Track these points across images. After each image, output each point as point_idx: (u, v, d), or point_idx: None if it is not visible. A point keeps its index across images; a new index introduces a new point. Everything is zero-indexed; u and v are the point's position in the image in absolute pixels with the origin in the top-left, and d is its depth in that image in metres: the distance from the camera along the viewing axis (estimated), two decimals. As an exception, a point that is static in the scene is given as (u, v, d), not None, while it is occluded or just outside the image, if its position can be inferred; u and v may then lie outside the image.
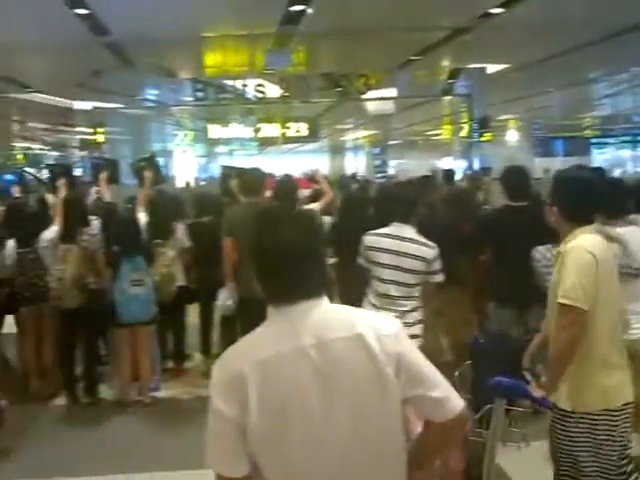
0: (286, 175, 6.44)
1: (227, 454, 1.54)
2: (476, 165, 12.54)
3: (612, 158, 27.09)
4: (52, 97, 13.27)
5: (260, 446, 1.51)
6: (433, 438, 1.65)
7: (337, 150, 34.80)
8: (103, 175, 6.48)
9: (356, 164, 34.27)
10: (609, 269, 2.63)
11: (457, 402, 1.60)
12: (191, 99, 10.98)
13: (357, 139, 30.58)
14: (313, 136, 12.15)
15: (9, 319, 5.42)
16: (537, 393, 2.70)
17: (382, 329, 1.56)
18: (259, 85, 10.59)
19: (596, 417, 2.53)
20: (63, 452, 4.29)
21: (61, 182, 5.66)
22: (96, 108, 12.43)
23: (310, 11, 7.91)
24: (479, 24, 9.00)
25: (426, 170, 12.72)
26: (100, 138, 12.25)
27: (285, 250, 1.54)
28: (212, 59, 10.68)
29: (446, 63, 12.43)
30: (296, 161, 29.48)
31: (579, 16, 8.43)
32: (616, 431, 2.56)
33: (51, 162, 12.38)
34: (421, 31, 9.43)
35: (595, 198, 2.77)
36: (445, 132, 20.23)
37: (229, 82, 10.81)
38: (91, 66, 10.22)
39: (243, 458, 1.52)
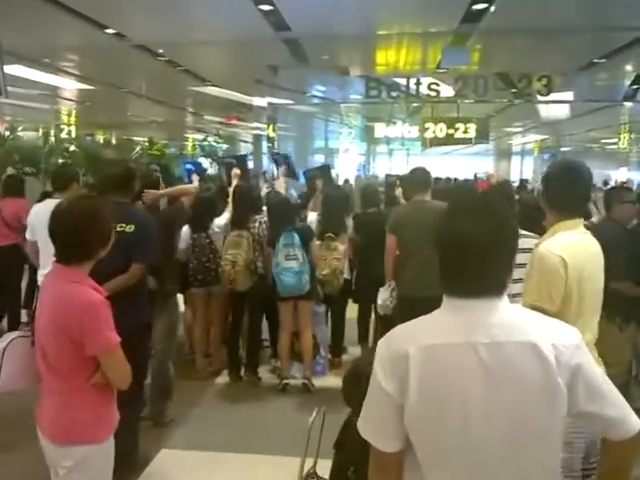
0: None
1: (381, 428, 1.52)
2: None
3: None
4: (231, 92, 13.65)
5: (415, 428, 1.47)
6: (613, 458, 1.54)
7: (503, 154, 33.14)
8: (282, 169, 6.60)
9: (522, 169, 32.47)
10: (582, 271, 2.44)
11: (636, 422, 1.47)
12: (360, 97, 10.75)
13: (526, 143, 28.81)
14: (481, 138, 11.43)
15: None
16: None
17: (560, 338, 1.44)
18: (433, 84, 10.11)
19: None
20: (222, 427, 4.33)
21: (235, 172, 5.75)
22: (270, 104, 12.59)
23: (492, 9, 7.34)
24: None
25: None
26: (272, 133, 12.41)
27: (466, 242, 1.45)
28: (384, 57, 10.43)
29: (631, 67, 11.17)
30: (459, 163, 28.51)
31: None
32: None
33: (229, 155, 12.82)
34: (609, 32, 8.47)
35: (583, 188, 2.64)
36: (623, 140, 18.31)
37: (401, 80, 10.44)
38: (268, 62, 10.35)
39: (397, 435, 1.50)
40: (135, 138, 16.95)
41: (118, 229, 3.38)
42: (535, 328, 1.45)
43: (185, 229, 5.09)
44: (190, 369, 5.32)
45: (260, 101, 13.29)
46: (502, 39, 8.90)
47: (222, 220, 5.24)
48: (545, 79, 9.84)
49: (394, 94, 10.34)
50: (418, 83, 10.14)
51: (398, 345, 1.50)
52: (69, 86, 12.83)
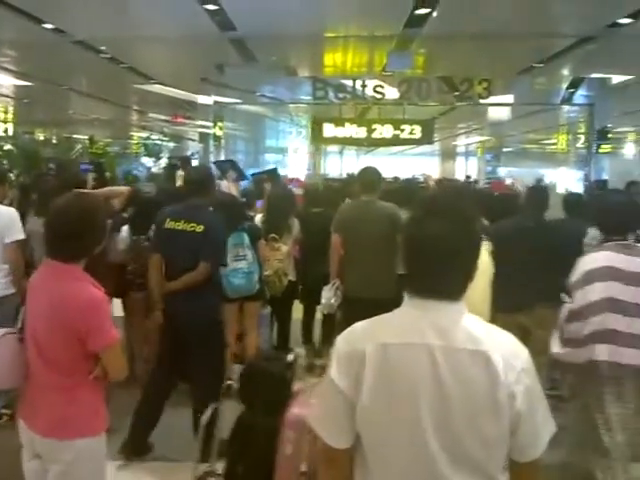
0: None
1: (333, 424, 1.52)
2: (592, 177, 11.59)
3: None
4: (175, 90, 13.50)
5: (366, 426, 1.48)
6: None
7: (448, 154, 33.82)
8: (230, 174, 6.52)
9: (466, 169, 33.21)
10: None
11: (545, 443, 1.50)
12: (309, 97, 10.81)
13: (470, 144, 29.50)
14: (426, 139, 11.62)
15: (116, 303, 5.41)
16: None
17: (512, 355, 1.46)
18: (378, 86, 10.24)
19: None
20: (161, 436, 4.14)
21: (180, 174, 5.64)
22: (216, 102, 12.47)
23: (435, 14, 7.48)
24: (606, 34, 8.25)
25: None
26: (219, 132, 12.31)
27: (435, 244, 1.46)
28: (332, 59, 10.51)
29: (568, 72, 11.60)
30: (406, 163, 28.93)
31: None
32: None
33: (173, 156, 12.57)
34: (546, 38, 8.77)
35: None
36: (561, 142, 18.96)
37: (348, 82, 10.55)
38: (214, 61, 10.28)
39: (348, 431, 1.49)
40: (76, 136, 16.46)
41: (189, 229, 3.74)
42: (490, 340, 1.47)
43: (125, 230, 4.98)
44: (129, 375, 5.14)
45: (206, 99, 13.14)
46: (445, 43, 9.08)
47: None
48: (485, 83, 10.13)
49: (341, 95, 10.43)
50: (364, 85, 10.26)
51: (356, 342, 1.50)
52: (5, 82, 12.36)
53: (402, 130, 11.17)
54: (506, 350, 1.46)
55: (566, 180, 19.64)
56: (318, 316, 5.64)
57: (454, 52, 9.54)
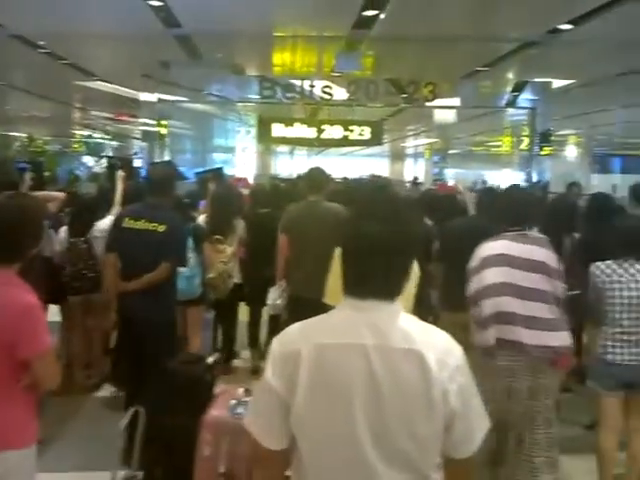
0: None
1: (267, 425, 1.51)
2: (534, 178, 11.91)
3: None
4: (118, 87, 13.19)
5: (301, 427, 1.48)
6: (456, 475, 1.57)
7: (398, 156, 34.26)
8: (119, 174, 6.33)
9: (415, 170, 33.71)
10: None
11: (479, 440, 1.53)
12: (257, 96, 10.71)
13: (418, 146, 29.93)
14: (375, 140, 11.71)
15: (52, 308, 5.20)
16: None
17: (446, 354, 1.48)
18: (326, 87, 10.25)
19: None
20: (100, 445, 3.92)
21: (120, 174, 5.44)
22: (161, 100, 12.24)
23: (382, 16, 7.51)
24: (547, 39, 8.52)
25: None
26: (163, 130, 12.06)
27: (374, 244, 1.46)
28: (280, 58, 10.45)
29: (512, 76, 11.90)
30: (356, 164, 29.13)
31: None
32: None
33: (114, 156, 12.15)
34: (490, 42, 8.96)
35: None
36: (505, 144, 19.47)
37: (296, 82, 10.51)
38: (159, 58, 10.08)
39: (282, 433, 1.49)
40: (14, 134, 15.85)
41: (150, 228, 3.69)
42: (424, 338, 1.48)
43: (62, 231, 4.78)
44: (66, 382, 4.95)
45: (150, 97, 12.84)
46: (393, 46, 9.16)
47: (105, 224, 4.92)
48: (431, 85, 10.28)
49: (289, 95, 10.39)
50: (312, 85, 10.25)
51: (291, 343, 1.50)
52: None
53: (351, 131, 11.24)
54: (440, 348, 1.48)
55: (510, 181, 20.15)
56: (265, 318, 5.57)
57: (402, 54, 9.62)
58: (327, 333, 1.49)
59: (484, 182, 21.33)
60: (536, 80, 11.87)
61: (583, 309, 4.15)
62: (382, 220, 1.49)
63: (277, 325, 5.16)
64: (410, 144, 29.71)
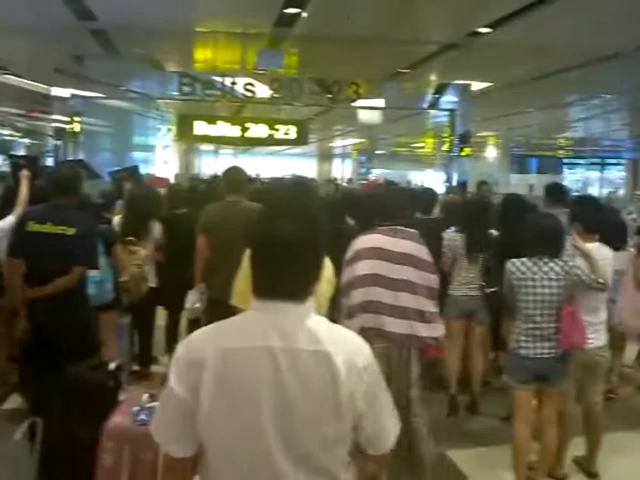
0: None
1: (172, 432, 1.49)
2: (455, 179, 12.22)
3: (582, 178, 27.39)
4: (30, 82, 12.55)
5: (208, 433, 1.46)
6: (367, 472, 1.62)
7: (325, 155, 34.45)
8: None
9: (343, 170, 34.00)
10: None
11: (393, 439, 1.57)
12: (177, 93, 10.44)
13: (345, 146, 30.21)
14: (301, 140, 11.68)
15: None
16: None
17: (355, 354, 1.48)
18: (248, 84, 10.11)
19: None
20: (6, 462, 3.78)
21: (24, 173, 5.11)
22: (75, 96, 11.72)
23: (305, 14, 7.47)
24: (467, 42, 8.73)
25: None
26: (77, 127, 11.52)
27: (281, 243, 1.46)
28: (203, 54, 10.24)
29: (433, 78, 12.16)
30: (285, 164, 29.07)
31: (561, 42, 8.31)
32: None
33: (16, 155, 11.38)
34: (412, 44, 9.10)
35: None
36: (428, 145, 19.96)
37: (218, 79, 10.32)
38: (73, 52, 9.66)
39: (188, 440, 1.47)
40: None
41: (58, 232, 3.59)
42: (332, 340, 1.48)
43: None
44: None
45: (63, 92, 12.27)
46: (316, 44, 9.14)
47: (6, 223, 4.61)
48: (355, 85, 10.34)
49: (209, 92, 10.18)
50: (233, 83, 10.09)
51: (196, 348, 1.48)
52: None
53: (277, 130, 11.15)
54: (348, 349, 1.49)
55: (432, 181, 20.70)
56: (184, 322, 5.41)
57: (326, 54, 9.62)
58: (233, 337, 1.47)
59: (408, 182, 21.79)
60: (457, 82, 12.18)
61: (500, 305, 4.28)
62: (291, 219, 1.50)
63: (196, 329, 5.02)
64: (338, 144, 29.92)
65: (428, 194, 5.91)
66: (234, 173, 4.73)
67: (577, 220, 4.01)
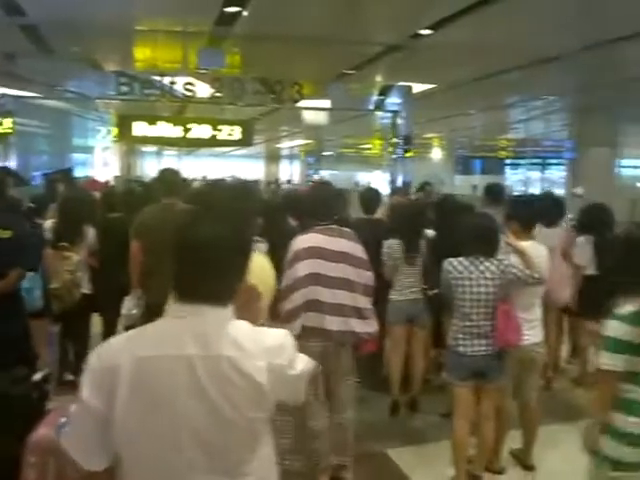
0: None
1: (85, 444, 1.45)
2: (400, 180, 12.34)
3: (524, 178, 28.26)
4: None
5: (123, 443, 1.43)
6: None
7: (273, 157, 34.33)
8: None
9: (291, 172, 33.96)
10: None
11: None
12: (114, 93, 10.15)
13: (293, 147, 30.20)
14: (246, 140, 11.55)
15: None
16: None
17: (277, 355, 1.48)
18: (188, 84, 9.94)
19: None
20: None
21: None
22: (4, 95, 11.21)
23: (245, 13, 7.39)
24: (409, 43, 8.82)
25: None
26: (8, 129, 10.97)
27: (194, 245, 1.44)
28: (143, 53, 10.01)
29: (378, 79, 12.25)
30: (230, 165, 28.82)
31: (501, 43, 8.45)
32: None
33: None
34: (355, 45, 9.13)
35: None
36: (376, 146, 20.12)
37: (157, 78, 10.10)
38: (3, 49, 9.27)
39: (102, 452, 1.44)
40: None
41: None
42: (254, 343, 1.46)
43: None
44: None
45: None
46: (260, 44, 9.05)
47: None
48: (298, 86, 10.32)
49: (148, 92, 9.96)
50: (173, 82, 9.90)
51: (110, 357, 1.44)
52: None
53: (220, 130, 10.99)
54: (270, 351, 1.47)
55: (380, 183, 20.89)
56: (120, 329, 5.25)
57: (269, 53, 9.56)
58: (149, 345, 1.44)
59: (356, 183, 21.95)
60: (401, 84, 12.29)
61: (441, 305, 4.34)
62: (213, 222, 1.48)
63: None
64: (285, 145, 29.87)
65: (371, 194, 5.92)
66: (169, 175, 4.64)
67: (513, 219, 4.09)
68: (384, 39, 9.03)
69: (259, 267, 2.40)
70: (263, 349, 1.47)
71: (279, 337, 1.55)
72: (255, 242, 3.49)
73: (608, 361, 2.36)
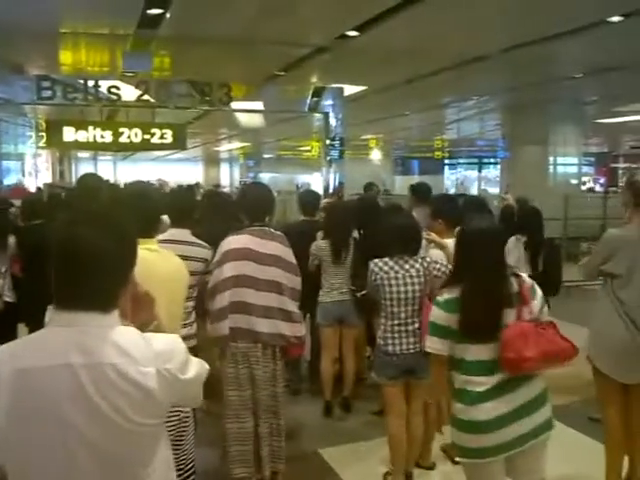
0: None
1: None
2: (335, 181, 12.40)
3: (462, 177, 28.93)
4: None
5: (9, 459, 1.40)
6: None
7: (212, 160, 33.94)
8: None
9: (231, 175, 33.70)
10: None
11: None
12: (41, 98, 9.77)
13: (232, 150, 29.94)
14: (179, 144, 11.37)
15: None
16: None
17: (166, 361, 1.45)
18: (113, 87, 9.69)
19: None
20: None
21: None
22: None
23: (168, 15, 7.26)
24: (337, 45, 8.82)
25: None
26: None
27: (75, 247, 1.42)
28: (68, 57, 9.66)
29: (309, 81, 12.24)
30: (170, 169, 28.34)
31: (429, 44, 8.54)
32: None
33: None
34: (283, 46, 9.08)
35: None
36: (314, 148, 20.18)
37: (80, 81, 9.80)
38: None
39: None
40: None
41: None
42: (141, 349, 1.44)
43: None
44: None
45: None
46: (187, 46, 8.90)
47: None
48: (225, 88, 10.20)
49: (71, 96, 9.65)
50: (96, 85, 9.63)
51: None
52: None
53: (152, 134, 10.78)
54: (160, 357, 1.46)
55: (319, 184, 20.99)
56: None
57: (197, 55, 9.39)
58: (31, 356, 1.40)
59: (297, 185, 21.95)
60: (333, 86, 12.34)
61: (371, 305, 4.37)
62: (95, 224, 1.47)
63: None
64: (224, 148, 29.59)
65: (310, 196, 5.92)
66: (88, 180, 4.53)
67: (438, 217, 4.17)
68: (311, 40, 8.96)
69: (157, 269, 2.35)
70: (152, 354, 1.45)
71: (169, 342, 1.54)
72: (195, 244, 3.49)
73: (430, 344, 2.61)
